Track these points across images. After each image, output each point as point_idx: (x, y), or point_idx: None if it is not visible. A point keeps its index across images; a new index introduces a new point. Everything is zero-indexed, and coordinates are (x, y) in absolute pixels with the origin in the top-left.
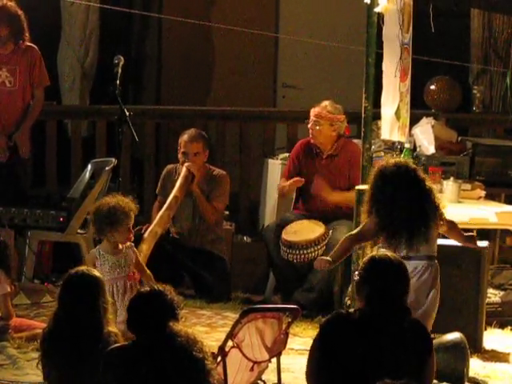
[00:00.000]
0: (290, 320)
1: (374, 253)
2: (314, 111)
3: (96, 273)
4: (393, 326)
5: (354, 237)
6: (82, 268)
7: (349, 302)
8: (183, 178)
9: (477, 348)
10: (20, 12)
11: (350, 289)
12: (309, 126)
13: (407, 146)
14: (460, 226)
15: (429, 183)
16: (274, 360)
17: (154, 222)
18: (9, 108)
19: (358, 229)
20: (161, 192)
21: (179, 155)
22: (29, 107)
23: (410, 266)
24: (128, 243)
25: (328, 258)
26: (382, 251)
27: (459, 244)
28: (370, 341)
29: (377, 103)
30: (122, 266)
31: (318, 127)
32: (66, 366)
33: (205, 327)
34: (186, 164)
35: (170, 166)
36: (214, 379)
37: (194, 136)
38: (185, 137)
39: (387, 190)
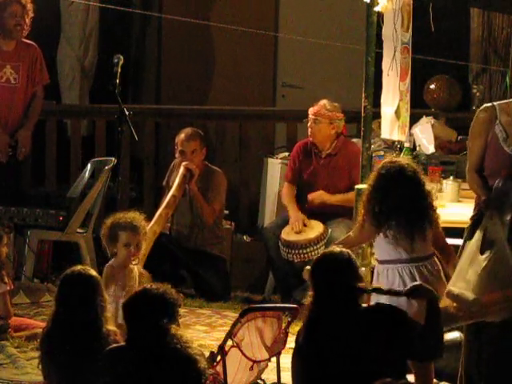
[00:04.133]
0: (289, 319)
1: (325, 250)
2: (312, 110)
3: (93, 272)
4: (346, 317)
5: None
6: (79, 267)
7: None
8: (181, 177)
9: None
10: (30, 6)
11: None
12: (308, 124)
13: (407, 145)
14: (460, 226)
15: (428, 185)
16: (274, 359)
17: (153, 220)
18: (12, 105)
19: (347, 234)
20: (167, 184)
21: (176, 154)
22: (30, 105)
23: (414, 269)
24: (138, 270)
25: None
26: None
27: (459, 243)
28: (329, 336)
29: (377, 102)
30: (120, 286)
31: (317, 125)
32: (65, 365)
33: (204, 326)
34: (184, 163)
35: (177, 160)
36: (207, 380)
37: (190, 134)
38: (181, 135)
39: (386, 188)
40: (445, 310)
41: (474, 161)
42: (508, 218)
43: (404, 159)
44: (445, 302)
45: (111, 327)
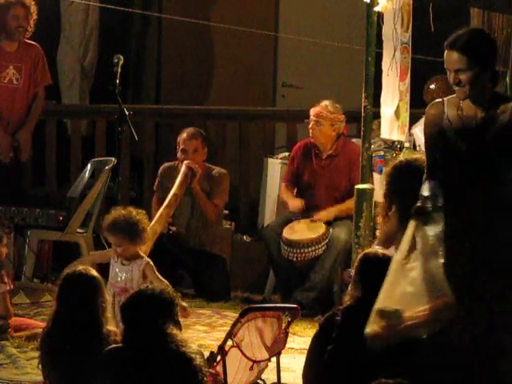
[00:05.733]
0: (289, 319)
1: (366, 250)
2: (314, 111)
3: (93, 272)
4: None
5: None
6: (80, 267)
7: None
8: (183, 176)
9: None
10: (34, 9)
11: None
12: (309, 126)
13: (407, 145)
14: None
15: None
16: (274, 359)
17: (153, 220)
18: (14, 106)
19: (380, 236)
20: (158, 189)
21: (178, 154)
22: (31, 106)
23: None
24: (144, 261)
25: None
26: (376, 248)
27: None
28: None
29: (377, 102)
30: (121, 277)
31: (318, 127)
32: (65, 365)
33: (204, 326)
34: (186, 162)
35: (166, 164)
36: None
37: (192, 133)
38: (183, 135)
39: (406, 183)
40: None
41: (429, 165)
42: (437, 229)
43: (420, 157)
44: (378, 323)
45: (111, 327)
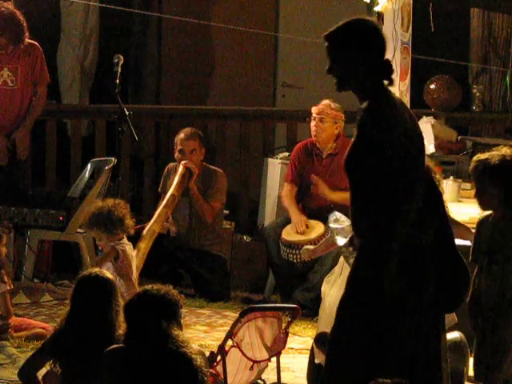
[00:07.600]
0: (289, 319)
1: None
2: (317, 108)
3: (108, 275)
4: None
5: None
6: (95, 270)
7: None
8: (180, 176)
9: None
10: (18, 14)
11: None
12: (312, 123)
13: None
14: None
15: (441, 187)
16: (274, 359)
17: (152, 220)
18: (9, 107)
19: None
20: (162, 190)
21: (176, 154)
22: (29, 106)
23: None
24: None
25: None
26: None
27: (459, 243)
28: None
29: None
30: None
31: (322, 124)
32: (76, 367)
33: (204, 326)
34: (183, 162)
35: (171, 164)
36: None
37: (189, 134)
38: (181, 135)
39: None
40: None
41: None
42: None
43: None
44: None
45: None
